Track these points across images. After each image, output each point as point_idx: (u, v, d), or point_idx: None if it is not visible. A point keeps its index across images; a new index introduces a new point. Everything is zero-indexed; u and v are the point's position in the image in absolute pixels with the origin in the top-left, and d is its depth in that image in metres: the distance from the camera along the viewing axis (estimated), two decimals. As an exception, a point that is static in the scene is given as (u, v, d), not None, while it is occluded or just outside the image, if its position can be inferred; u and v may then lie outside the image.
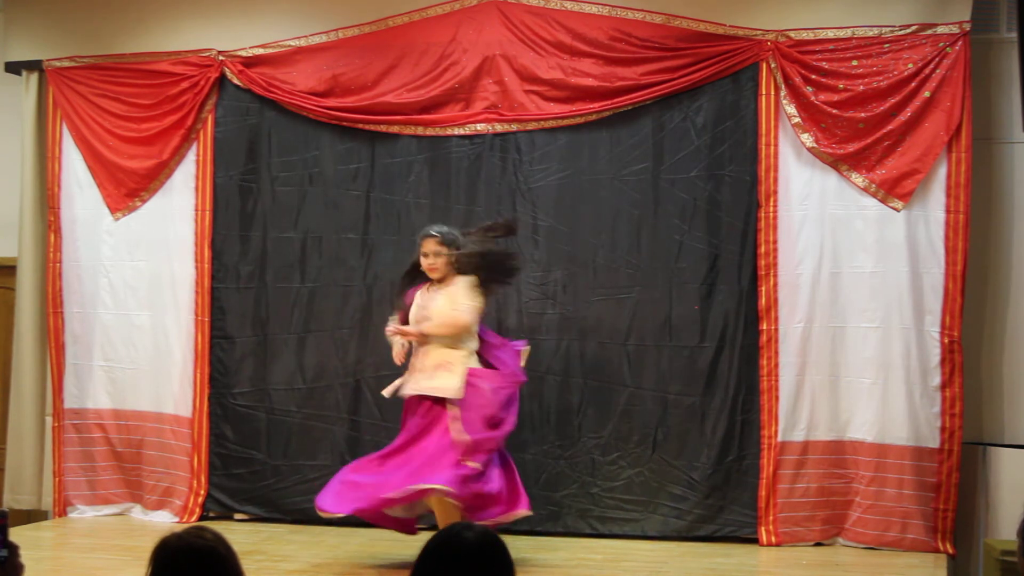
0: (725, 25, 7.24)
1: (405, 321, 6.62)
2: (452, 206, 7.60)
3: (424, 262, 6.57)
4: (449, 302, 6.48)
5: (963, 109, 6.89)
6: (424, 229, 6.67)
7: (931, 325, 6.95)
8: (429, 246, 6.55)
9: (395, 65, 7.68)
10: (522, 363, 6.60)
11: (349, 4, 7.78)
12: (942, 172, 6.95)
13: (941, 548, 6.86)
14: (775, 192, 7.16)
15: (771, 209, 7.15)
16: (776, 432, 7.09)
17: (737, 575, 6.54)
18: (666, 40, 7.31)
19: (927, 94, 6.94)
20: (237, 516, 7.82)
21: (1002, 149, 7.21)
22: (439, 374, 6.42)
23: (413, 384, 6.52)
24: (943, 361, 6.92)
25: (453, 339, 6.46)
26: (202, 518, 7.72)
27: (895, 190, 7.00)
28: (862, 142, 7.03)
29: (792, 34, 7.15)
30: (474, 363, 6.47)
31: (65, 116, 8.17)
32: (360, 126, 7.73)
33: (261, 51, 7.86)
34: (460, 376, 6.38)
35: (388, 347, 7.65)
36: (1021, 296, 7.20)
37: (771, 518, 7.06)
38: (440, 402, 6.39)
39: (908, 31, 7.01)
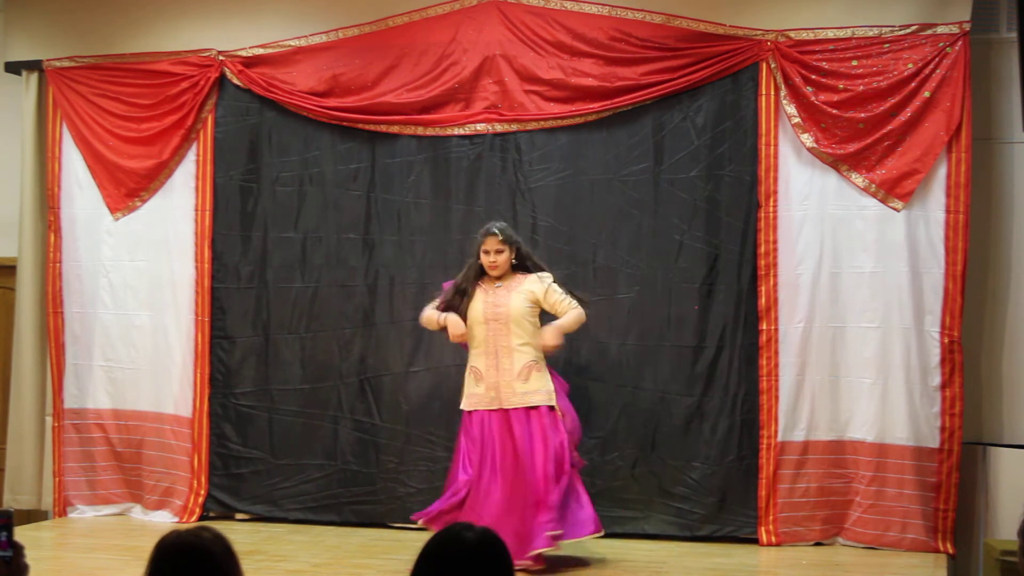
0: (725, 25, 7.24)
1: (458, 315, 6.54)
2: (452, 206, 7.61)
3: (485, 260, 6.52)
4: (533, 301, 6.52)
5: (963, 109, 6.89)
6: (486, 226, 6.61)
7: (931, 325, 6.95)
8: (492, 244, 6.51)
9: (395, 65, 7.68)
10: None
11: (349, 4, 7.78)
12: (942, 172, 6.95)
13: (941, 548, 6.85)
14: (775, 192, 7.16)
15: (771, 209, 7.15)
16: (776, 432, 7.09)
17: (737, 575, 6.54)
18: (666, 40, 7.31)
19: (927, 94, 6.94)
20: (238, 516, 7.82)
21: (1002, 149, 7.21)
22: (532, 377, 6.48)
23: (495, 397, 6.47)
24: (943, 361, 6.92)
25: (536, 339, 6.52)
26: (202, 518, 7.72)
27: (895, 190, 7.00)
28: (862, 142, 7.03)
29: (792, 34, 7.15)
30: None
31: (65, 116, 8.17)
32: (360, 126, 7.73)
33: (261, 51, 7.86)
34: (549, 377, 6.53)
35: (388, 347, 7.68)
36: (1021, 296, 7.20)
37: (771, 518, 7.06)
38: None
39: (908, 31, 7.01)
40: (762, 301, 7.14)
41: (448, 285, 6.68)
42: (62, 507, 8.04)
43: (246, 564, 2.70)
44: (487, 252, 6.51)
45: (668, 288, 7.32)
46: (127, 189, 8.07)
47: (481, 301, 6.52)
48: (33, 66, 8.25)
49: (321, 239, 7.81)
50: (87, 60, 8.15)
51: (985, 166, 7.13)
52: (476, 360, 6.55)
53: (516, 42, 7.50)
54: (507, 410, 6.42)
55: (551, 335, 6.47)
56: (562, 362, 7.28)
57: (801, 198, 7.15)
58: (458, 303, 6.56)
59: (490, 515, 6.12)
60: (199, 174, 7.94)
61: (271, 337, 7.86)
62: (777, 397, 7.10)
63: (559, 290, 6.55)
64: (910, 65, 6.96)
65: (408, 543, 6.45)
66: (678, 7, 7.31)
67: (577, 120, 7.43)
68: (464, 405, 6.55)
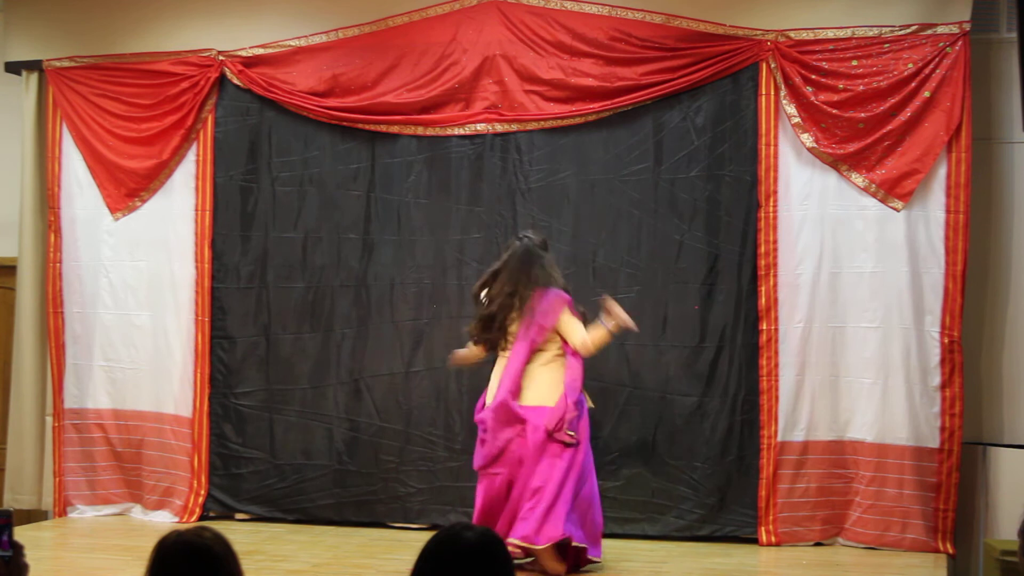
0: (725, 25, 7.24)
1: None
2: (452, 206, 7.61)
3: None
4: None
5: (963, 109, 6.89)
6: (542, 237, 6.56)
7: (931, 325, 6.95)
8: None
9: (395, 65, 7.68)
10: None
11: (349, 4, 7.78)
12: (942, 172, 6.95)
13: (941, 548, 6.85)
14: (775, 192, 7.16)
15: (771, 209, 7.16)
16: (776, 432, 7.09)
17: (737, 575, 6.54)
18: (666, 40, 7.31)
19: (927, 94, 6.94)
20: (238, 516, 7.82)
21: (1002, 149, 7.22)
22: None
23: None
24: (943, 361, 6.92)
25: None
26: (202, 518, 7.72)
27: (895, 190, 7.00)
28: (862, 142, 7.04)
29: (792, 34, 7.15)
30: None
31: (65, 116, 8.17)
32: (360, 126, 7.73)
33: (261, 51, 7.86)
34: None
35: (387, 347, 7.68)
36: (1021, 296, 7.20)
37: (771, 518, 7.06)
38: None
39: (908, 31, 7.01)
40: (762, 301, 7.15)
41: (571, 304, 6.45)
42: (62, 507, 8.04)
43: (246, 564, 2.70)
44: None
45: (668, 288, 7.31)
46: (127, 189, 8.07)
47: None
48: (33, 66, 8.25)
49: (321, 239, 7.81)
50: (87, 60, 8.15)
51: (985, 166, 7.14)
52: None
53: (516, 42, 7.50)
54: None
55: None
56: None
57: (801, 198, 7.15)
58: None
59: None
60: (199, 174, 7.94)
61: (271, 337, 7.86)
62: (777, 397, 7.10)
63: None
64: (910, 65, 6.97)
65: (408, 543, 6.46)
66: (678, 7, 7.31)
67: (577, 120, 7.43)
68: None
